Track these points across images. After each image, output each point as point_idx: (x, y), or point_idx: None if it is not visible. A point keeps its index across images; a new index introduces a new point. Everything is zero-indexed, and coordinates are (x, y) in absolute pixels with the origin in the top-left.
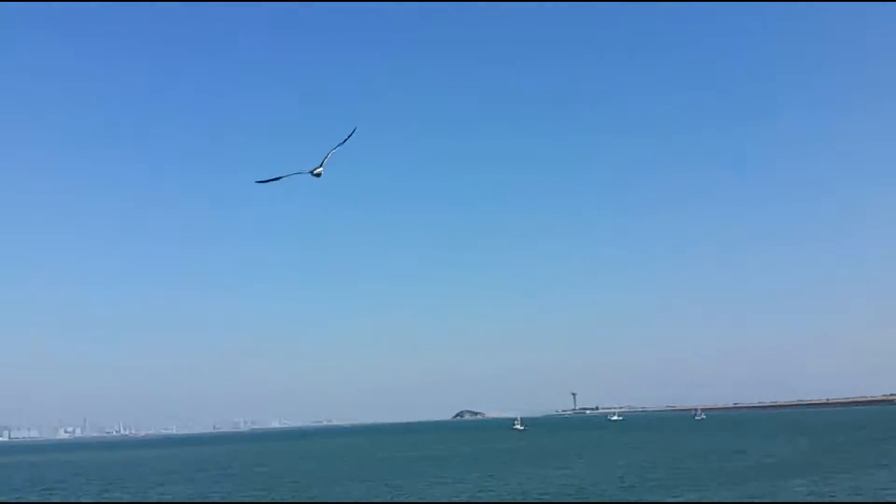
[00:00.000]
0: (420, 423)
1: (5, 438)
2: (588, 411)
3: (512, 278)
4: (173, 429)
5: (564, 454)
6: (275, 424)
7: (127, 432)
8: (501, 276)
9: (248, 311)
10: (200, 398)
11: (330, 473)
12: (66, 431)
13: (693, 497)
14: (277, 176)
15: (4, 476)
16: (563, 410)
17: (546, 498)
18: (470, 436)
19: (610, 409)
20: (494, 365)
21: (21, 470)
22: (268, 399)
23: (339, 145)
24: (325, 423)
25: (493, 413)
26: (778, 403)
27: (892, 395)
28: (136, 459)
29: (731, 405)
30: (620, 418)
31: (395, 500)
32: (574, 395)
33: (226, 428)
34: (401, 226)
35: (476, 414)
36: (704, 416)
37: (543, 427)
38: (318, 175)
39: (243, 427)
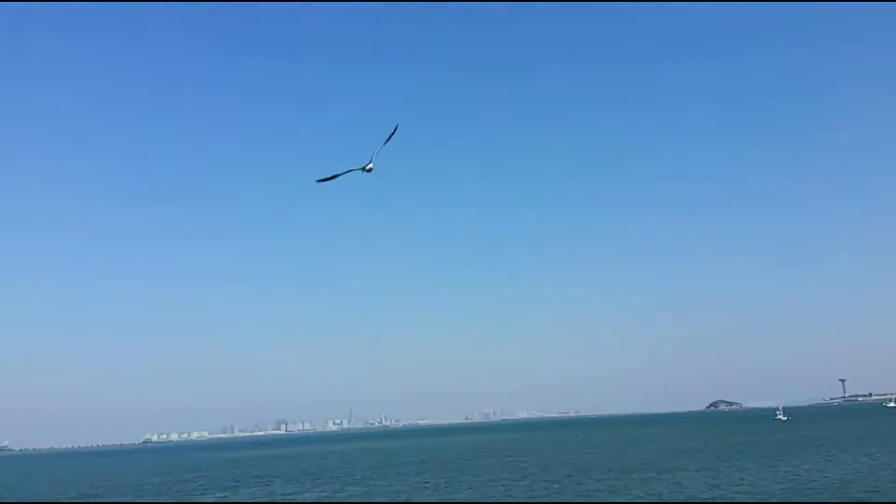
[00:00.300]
0: (670, 415)
1: (282, 431)
2: (860, 398)
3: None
4: (429, 419)
5: (836, 445)
6: (522, 415)
7: (387, 423)
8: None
9: (493, 308)
10: (453, 391)
11: (570, 463)
12: (334, 423)
13: None
14: (334, 174)
15: (289, 466)
16: (832, 399)
17: (809, 496)
18: (726, 427)
19: (886, 395)
20: (751, 352)
21: (306, 459)
22: (516, 391)
23: (384, 143)
24: (571, 413)
25: (751, 403)
26: None
27: None
28: (395, 449)
29: None
30: None
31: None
32: (843, 381)
33: (477, 418)
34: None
35: (732, 404)
36: None
37: (810, 417)
38: (370, 171)
39: (493, 418)
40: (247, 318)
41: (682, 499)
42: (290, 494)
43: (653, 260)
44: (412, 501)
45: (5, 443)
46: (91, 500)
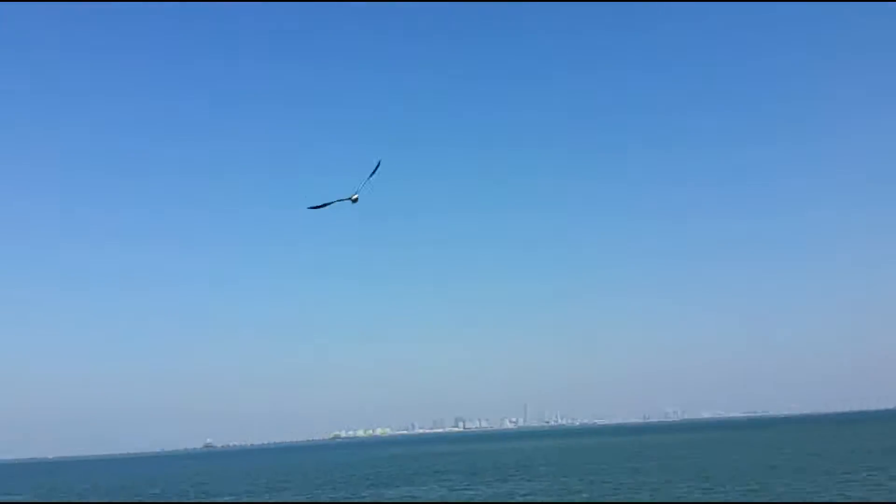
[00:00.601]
0: (856, 413)
1: (460, 428)
2: None
3: None
4: (605, 419)
5: None
6: (705, 415)
7: (563, 421)
8: None
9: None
10: (630, 389)
11: (757, 465)
12: (510, 421)
13: None
14: (325, 202)
15: (468, 462)
16: None
17: None
18: None
19: None
20: None
21: (483, 456)
22: (698, 388)
23: (369, 177)
24: (759, 413)
25: None
26: None
27: None
28: (572, 448)
29: None
30: None
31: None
32: None
33: (656, 418)
34: None
35: None
36: None
37: None
38: (356, 201)
39: (673, 417)
40: (426, 320)
41: (878, 499)
42: (467, 489)
43: (834, 252)
44: (573, 502)
45: (209, 440)
46: (283, 501)
